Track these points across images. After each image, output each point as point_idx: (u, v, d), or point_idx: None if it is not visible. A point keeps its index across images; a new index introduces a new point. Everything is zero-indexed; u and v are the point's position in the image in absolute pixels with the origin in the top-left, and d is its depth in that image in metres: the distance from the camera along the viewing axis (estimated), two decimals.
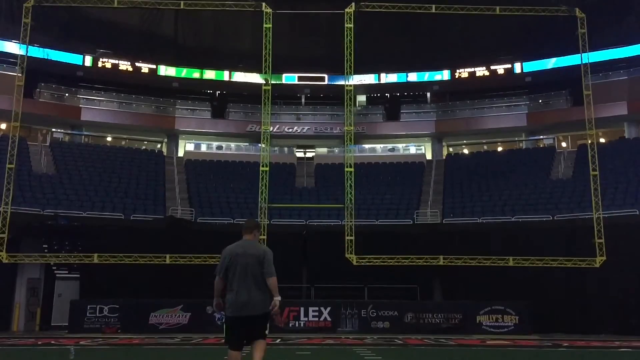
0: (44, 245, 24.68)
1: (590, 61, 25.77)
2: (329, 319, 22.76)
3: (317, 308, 23.03)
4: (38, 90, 34.26)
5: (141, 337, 18.93)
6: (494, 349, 15.02)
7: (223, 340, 6.82)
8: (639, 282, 22.43)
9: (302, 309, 22.95)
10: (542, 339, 19.18)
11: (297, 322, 22.72)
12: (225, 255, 6.69)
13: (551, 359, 11.53)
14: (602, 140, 32.78)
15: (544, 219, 26.19)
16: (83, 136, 36.17)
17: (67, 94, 35.77)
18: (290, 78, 37.78)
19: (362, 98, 39.85)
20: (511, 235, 24.54)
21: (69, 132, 35.58)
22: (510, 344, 16.64)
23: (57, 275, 25.16)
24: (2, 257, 22.17)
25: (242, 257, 6.59)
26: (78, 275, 24.99)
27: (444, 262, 23.79)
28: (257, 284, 6.49)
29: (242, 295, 6.45)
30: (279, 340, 17.70)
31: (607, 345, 16.30)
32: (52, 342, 16.81)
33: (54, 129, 34.76)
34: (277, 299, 6.53)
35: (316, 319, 22.80)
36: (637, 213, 24.47)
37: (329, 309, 22.89)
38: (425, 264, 23.79)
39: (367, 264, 23.69)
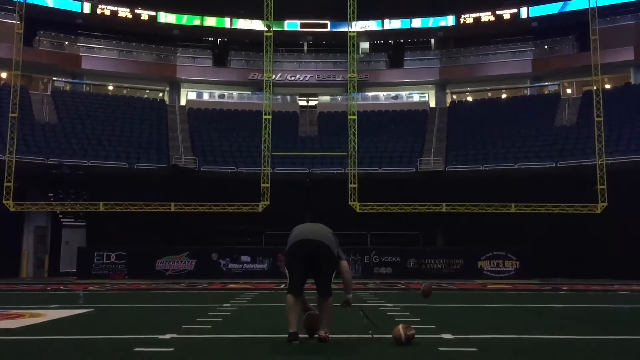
0: (49, 194, 24.91)
1: (597, 5, 25.32)
2: None
3: None
4: (37, 38, 33.87)
5: (148, 282, 19.29)
6: (494, 292, 15.30)
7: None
8: (639, 227, 22.60)
9: None
10: (543, 283, 19.49)
11: None
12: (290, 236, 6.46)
13: (550, 302, 11.76)
14: (607, 86, 32.47)
15: (547, 166, 26.22)
16: (84, 85, 35.94)
17: (66, 42, 35.39)
18: (292, 25, 37.23)
19: (365, 45, 39.34)
20: (514, 183, 24.63)
21: (70, 80, 35.35)
22: (511, 288, 16.94)
23: (64, 223, 25.47)
24: (9, 205, 22.42)
25: (310, 226, 6.58)
26: (84, 224, 25.30)
27: (446, 209, 24.00)
28: (328, 234, 6.28)
29: (310, 235, 6.20)
30: (283, 285, 18.00)
31: (606, 289, 16.58)
32: (61, 287, 17.15)
33: (54, 78, 34.51)
34: (349, 297, 6.16)
35: None
36: None
37: None
38: (427, 211, 24.00)
39: (370, 211, 23.90)
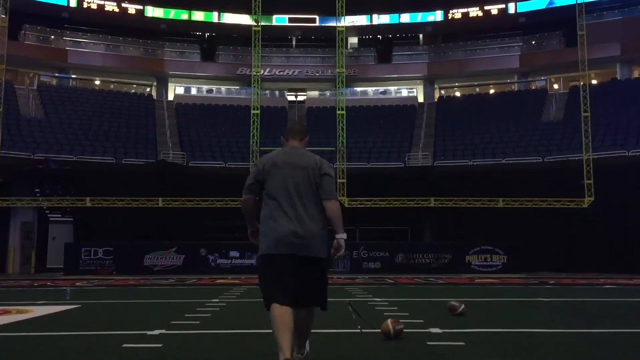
0: (35, 190, 24.73)
1: (584, 1, 25.47)
2: None
3: None
4: (23, 32, 33.55)
5: (136, 278, 19.21)
6: (482, 286, 15.39)
7: (263, 298, 4.32)
8: (625, 222, 22.83)
9: None
10: (529, 277, 19.63)
11: None
12: (259, 166, 4.46)
13: (537, 295, 11.85)
14: (594, 81, 32.69)
15: (534, 161, 26.39)
16: (71, 79, 35.66)
17: (52, 36, 35.08)
18: (280, 19, 37.13)
19: (353, 40, 39.34)
20: (502, 178, 24.75)
21: (57, 75, 35.06)
22: (498, 282, 17.04)
23: (51, 219, 25.31)
24: None
25: (287, 169, 4.38)
26: (71, 219, 25.15)
27: (434, 204, 24.08)
28: (311, 210, 4.33)
29: (285, 222, 4.27)
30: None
31: (592, 282, 16.73)
32: (49, 283, 17.04)
33: (40, 72, 34.20)
34: (343, 236, 4.46)
35: None
36: (626, 154, 24.68)
37: None
38: (416, 205, 24.08)
39: (359, 206, 23.94)
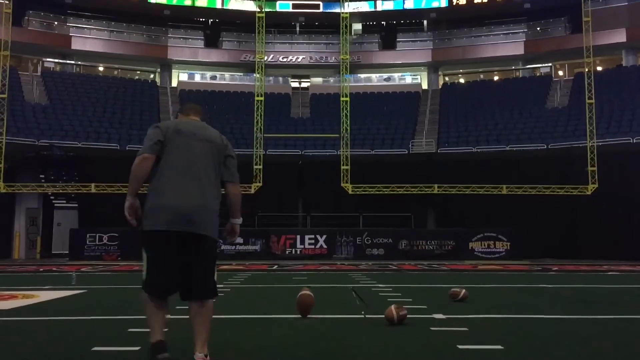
0: (40, 176, 24.80)
1: None
2: (324, 246, 23.20)
3: (312, 236, 23.42)
4: (27, 18, 33.48)
5: (140, 264, 19.30)
6: (485, 273, 15.43)
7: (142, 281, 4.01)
8: (629, 209, 22.81)
9: (298, 237, 23.35)
10: (533, 264, 19.67)
11: (293, 250, 23.16)
12: (162, 128, 3.99)
13: (541, 282, 11.89)
14: (599, 68, 32.53)
15: (539, 148, 26.33)
16: (75, 66, 35.64)
17: (56, 22, 35.00)
18: (284, 5, 36.95)
19: (357, 26, 39.13)
20: (505, 164, 24.73)
21: (60, 61, 35.03)
22: (501, 269, 17.09)
23: (56, 205, 25.41)
24: (0, 187, 22.32)
25: (191, 138, 3.95)
26: (76, 205, 25.25)
27: (438, 191, 24.09)
28: (210, 187, 3.94)
29: (185, 195, 3.81)
30: (276, 266, 18.11)
31: (595, 269, 16.75)
32: (54, 268, 17.15)
33: (44, 59, 34.18)
34: (238, 221, 4.18)
35: (312, 246, 23.23)
36: (631, 141, 24.61)
37: (324, 236, 23.29)
38: (419, 192, 24.09)
39: (362, 192, 23.97)
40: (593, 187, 22.93)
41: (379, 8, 37.38)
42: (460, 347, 4.68)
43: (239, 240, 23.13)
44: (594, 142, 23.35)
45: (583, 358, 4.41)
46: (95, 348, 4.56)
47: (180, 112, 4.29)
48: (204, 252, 3.89)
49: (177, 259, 3.83)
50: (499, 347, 4.70)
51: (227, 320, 6.47)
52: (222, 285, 10.66)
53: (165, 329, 4.00)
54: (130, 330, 5.58)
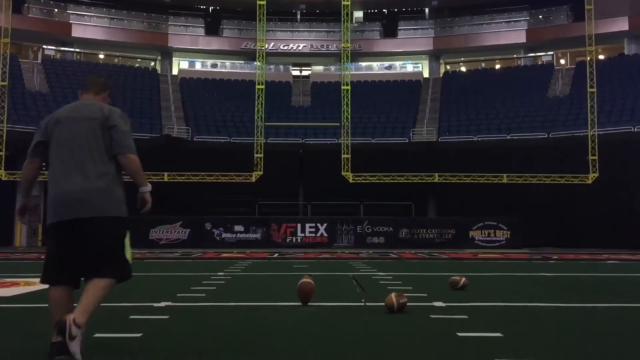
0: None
1: None
2: (325, 234, 23.25)
3: (313, 224, 23.49)
4: (27, 5, 33.39)
5: (142, 251, 19.36)
6: (485, 261, 15.47)
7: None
8: (629, 198, 22.83)
9: (299, 225, 23.42)
10: (533, 252, 19.71)
11: (294, 238, 23.23)
12: (42, 125, 3.96)
13: (541, 271, 11.92)
14: (601, 57, 32.41)
15: (540, 137, 26.31)
16: (75, 53, 35.54)
17: (56, 10, 34.89)
18: None
19: (359, 14, 38.96)
20: (506, 153, 24.74)
21: (61, 48, 34.94)
22: (501, 257, 17.13)
23: None
24: (1, 175, 22.36)
25: (69, 123, 3.83)
26: None
27: (438, 180, 24.12)
28: (96, 164, 3.77)
29: (69, 182, 3.73)
30: (277, 255, 18.16)
31: (595, 258, 16.79)
32: None
33: (44, 46, 34.08)
34: (147, 189, 3.99)
35: (313, 234, 23.30)
36: (632, 130, 24.58)
37: (325, 225, 23.35)
38: (420, 181, 24.12)
39: (363, 181, 23.99)
40: (594, 176, 22.94)
41: None
42: (460, 334, 4.71)
43: (240, 228, 23.20)
44: (595, 131, 23.33)
45: (582, 346, 4.43)
46: (97, 335, 4.58)
47: (81, 89, 4.18)
48: (99, 234, 3.73)
49: (72, 248, 3.76)
50: (499, 334, 4.72)
51: (228, 307, 6.50)
52: (222, 273, 10.71)
53: None
54: (131, 317, 5.61)
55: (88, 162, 3.75)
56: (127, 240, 3.90)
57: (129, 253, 3.91)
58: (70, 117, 3.85)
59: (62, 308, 3.78)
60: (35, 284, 8.77)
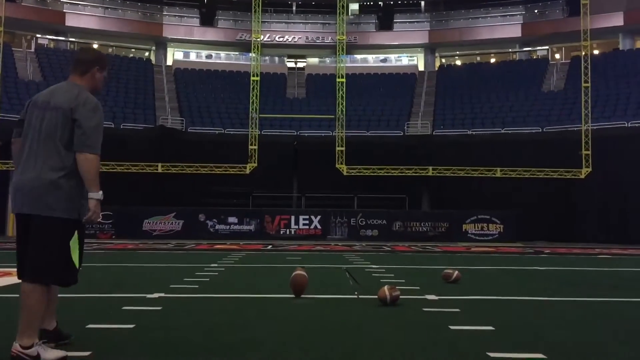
0: None
1: None
2: (319, 226, 23.28)
3: (307, 216, 23.51)
4: None
5: (135, 242, 19.36)
6: (478, 254, 15.53)
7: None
8: (622, 193, 22.93)
9: (292, 217, 23.43)
10: (525, 246, 19.80)
11: (287, 230, 23.25)
12: (26, 104, 3.82)
13: (533, 265, 11.98)
14: (595, 52, 32.47)
15: (534, 131, 26.37)
16: (69, 42, 35.32)
17: None
18: None
19: (354, 6, 38.87)
20: (500, 147, 24.79)
21: (54, 37, 34.71)
22: (494, 251, 17.20)
23: None
24: None
25: (42, 109, 3.64)
26: None
27: (432, 173, 24.15)
28: (55, 156, 3.55)
29: (25, 173, 3.56)
30: (270, 246, 18.17)
31: (587, 252, 16.88)
32: None
33: (38, 35, 33.86)
34: (96, 196, 3.65)
35: (306, 226, 23.32)
36: (626, 125, 24.66)
37: (319, 217, 23.37)
38: (414, 174, 24.16)
39: (357, 174, 24.00)
40: (587, 171, 23.02)
41: None
42: (452, 327, 4.73)
43: (234, 219, 23.18)
44: (588, 126, 23.40)
45: (572, 339, 4.47)
46: (90, 325, 4.58)
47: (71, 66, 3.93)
48: (33, 232, 3.53)
49: (22, 241, 3.64)
50: (490, 328, 4.75)
51: (221, 299, 6.51)
52: (215, 265, 10.72)
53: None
54: (124, 308, 5.61)
55: (48, 153, 3.54)
56: (72, 243, 3.58)
57: (75, 256, 3.60)
58: (45, 102, 3.64)
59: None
60: None
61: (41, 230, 3.50)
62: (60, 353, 3.54)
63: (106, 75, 3.91)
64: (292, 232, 23.22)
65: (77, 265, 3.62)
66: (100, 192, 3.66)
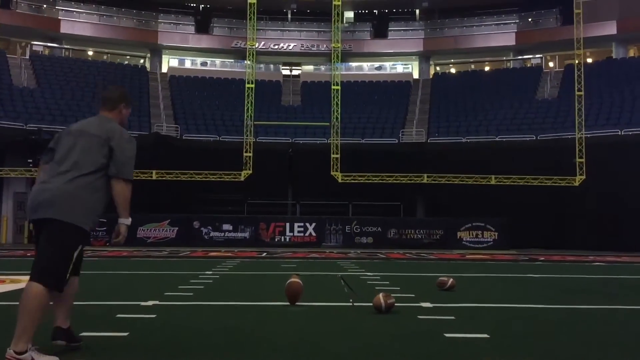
0: (28, 160, 24.61)
1: None
2: (313, 234, 23.26)
3: (302, 224, 23.49)
4: (15, 0, 33.07)
5: (129, 249, 19.29)
6: (472, 262, 15.55)
7: None
8: (616, 200, 23.01)
9: (287, 225, 23.41)
10: (520, 253, 19.82)
11: (282, 237, 23.22)
12: (57, 134, 4.12)
13: (528, 272, 12.00)
14: (589, 60, 32.66)
15: (528, 139, 26.46)
16: (63, 50, 35.28)
17: (45, 5, 34.62)
18: None
19: (349, 14, 39.01)
20: (495, 155, 24.85)
21: (49, 45, 34.68)
22: (489, 258, 17.22)
23: None
24: None
25: (76, 135, 3.93)
26: None
27: (427, 181, 24.18)
28: (81, 174, 3.78)
29: (47, 184, 3.77)
30: (265, 254, 18.14)
31: (581, 260, 16.91)
32: None
33: (33, 42, 33.82)
34: (126, 222, 4.01)
35: (301, 234, 23.29)
36: (619, 133, 24.78)
37: (314, 224, 23.35)
38: (409, 182, 24.19)
39: (352, 181, 24.01)
40: (580, 179, 23.11)
41: None
42: (447, 335, 4.73)
43: (229, 227, 23.14)
44: (582, 134, 23.50)
45: (566, 346, 4.47)
46: (84, 333, 4.56)
47: (101, 102, 4.28)
48: (46, 234, 3.72)
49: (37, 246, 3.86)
50: (485, 335, 4.75)
51: (216, 307, 6.49)
52: (210, 272, 10.69)
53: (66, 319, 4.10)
54: (118, 315, 5.58)
55: (75, 170, 3.78)
56: (75, 254, 3.78)
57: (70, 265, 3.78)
58: (79, 130, 3.97)
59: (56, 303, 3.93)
60: (21, 282, 8.71)
61: (54, 233, 3.68)
62: (53, 358, 3.61)
63: (128, 113, 4.30)
64: (287, 240, 23.19)
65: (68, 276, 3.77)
66: (130, 219, 3.99)
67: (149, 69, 35.28)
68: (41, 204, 3.71)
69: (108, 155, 3.84)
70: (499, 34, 35.72)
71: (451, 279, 8.10)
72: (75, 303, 6.50)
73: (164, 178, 23.70)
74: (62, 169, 3.78)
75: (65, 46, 35.29)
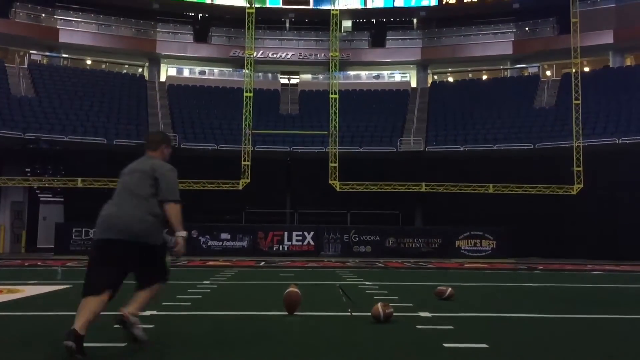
0: (26, 169, 24.64)
1: None
2: (312, 243, 23.22)
3: (300, 232, 23.45)
4: (14, 9, 33.08)
5: None
6: (471, 271, 15.53)
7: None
8: (613, 209, 23.04)
9: (285, 234, 23.36)
10: (518, 262, 19.81)
11: (280, 246, 23.18)
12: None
13: (526, 281, 11.98)
14: (586, 69, 32.77)
15: (525, 148, 26.49)
16: (62, 59, 35.31)
17: (43, 15, 34.64)
18: (274, 1, 36.83)
19: (347, 24, 39.12)
20: (493, 163, 24.86)
21: (48, 54, 34.70)
22: (487, 267, 17.20)
23: (41, 198, 25.23)
24: None
25: (130, 174, 4.88)
26: (62, 199, 25.07)
27: (425, 189, 24.18)
28: (139, 201, 4.67)
29: (110, 208, 4.74)
30: (263, 263, 18.10)
31: (579, 269, 16.91)
32: (39, 263, 17.05)
33: (31, 51, 33.85)
34: (182, 234, 4.68)
35: (299, 243, 23.25)
36: (617, 142, 24.83)
37: (312, 233, 23.32)
38: (407, 190, 24.19)
39: (350, 190, 24.01)
40: (578, 187, 23.14)
41: (369, 5, 37.36)
42: (445, 345, 4.72)
43: (227, 236, 23.10)
44: (580, 143, 23.55)
45: (565, 356, 4.46)
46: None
47: (145, 146, 5.09)
48: (147, 254, 4.76)
49: (110, 259, 4.76)
50: (484, 345, 4.74)
51: (214, 316, 6.47)
52: (208, 282, 10.66)
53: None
54: (116, 326, 5.55)
55: (133, 198, 4.69)
56: (167, 259, 4.96)
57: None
58: (132, 169, 4.90)
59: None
60: (18, 292, 8.68)
61: (153, 251, 4.75)
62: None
63: (168, 153, 5.10)
64: (285, 249, 23.15)
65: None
66: (185, 232, 4.77)
67: (147, 78, 35.31)
68: (112, 227, 4.73)
69: (156, 184, 4.73)
70: (497, 43, 35.84)
71: (450, 289, 8.09)
72: (72, 313, 6.47)
73: None
74: (124, 198, 4.77)
75: (64, 55, 35.31)
